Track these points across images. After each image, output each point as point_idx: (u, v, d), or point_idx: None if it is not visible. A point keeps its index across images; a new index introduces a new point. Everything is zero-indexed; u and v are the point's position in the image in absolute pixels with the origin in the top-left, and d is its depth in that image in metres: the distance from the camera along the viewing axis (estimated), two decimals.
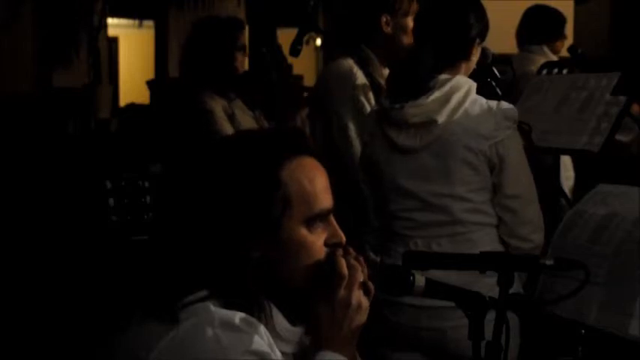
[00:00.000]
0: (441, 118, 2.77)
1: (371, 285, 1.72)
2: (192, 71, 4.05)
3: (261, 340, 1.57)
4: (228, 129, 3.87)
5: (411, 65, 2.85)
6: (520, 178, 2.81)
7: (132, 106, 8.54)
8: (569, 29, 5.63)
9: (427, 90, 2.80)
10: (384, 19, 3.38)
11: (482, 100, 2.82)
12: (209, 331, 1.54)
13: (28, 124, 6.74)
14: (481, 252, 2.07)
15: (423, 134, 2.81)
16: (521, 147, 2.85)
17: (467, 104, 2.79)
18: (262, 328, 1.58)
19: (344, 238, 1.72)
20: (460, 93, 2.79)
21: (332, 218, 1.71)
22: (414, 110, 2.80)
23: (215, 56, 4.00)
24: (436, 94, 2.78)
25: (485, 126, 2.77)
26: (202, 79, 3.99)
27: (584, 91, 3.16)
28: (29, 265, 4.49)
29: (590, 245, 2.34)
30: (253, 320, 1.58)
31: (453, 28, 2.85)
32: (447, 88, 2.79)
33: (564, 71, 3.47)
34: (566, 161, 4.34)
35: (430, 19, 2.91)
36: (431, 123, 2.79)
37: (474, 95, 2.82)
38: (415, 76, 2.83)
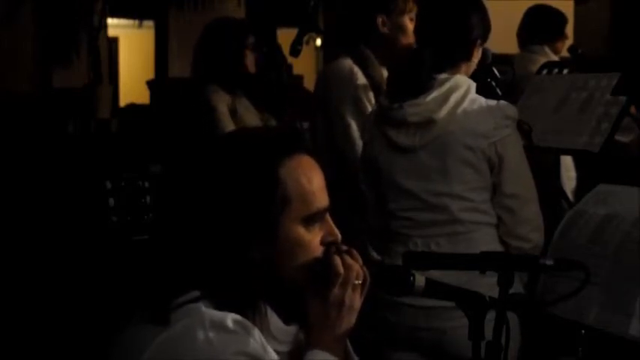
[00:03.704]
0: (440, 118, 2.78)
1: (367, 282, 1.72)
2: (202, 68, 4.06)
3: (254, 341, 1.56)
4: (229, 126, 3.88)
5: (412, 65, 2.86)
6: (519, 178, 2.81)
7: (132, 106, 8.54)
8: (569, 29, 5.64)
9: (426, 89, 2.80)
10: (379, 20, 3.38)
11: (482, 100, 2.82)
12: (200, 333, 1.54)
13: (28, 124, 6.74)
14: (481, 252, 2.07)
15: (422, 133, 2.81)
16: (520, 146, 2.85)
17: (466, 103, 2.79)
18: (255, 330, 1.58)
19: (340, 236, 1.72)
20: (459, 92, 2.79)
21: (328, 217, 1.71)
22: (413, 109, 2.80)
23: (223, 53, 4.02)
24: (435, 94, 2.79)
25: (485, 125, 2.77)
26: (211, 75, 4.00)
27: (584, 91, 3.15)
28: (29, 266, 4.49)
29: (590, 245, 2.34)
30: (246, 322, 1.57)
31: (454, 28, 2.85)
32: (445, 87, 2.79)
33: (564, 71, 3.47)
34: (568, 162, 4.34)
35: (432, 20, 2.91)
36: (430, 122, 2.79)
37: (473, 94, 2.82)
38: (415, 75, 2.83)
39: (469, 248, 2.69)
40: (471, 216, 2.79)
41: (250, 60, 4.08)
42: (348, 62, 3.39)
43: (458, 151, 2.77)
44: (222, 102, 3.97)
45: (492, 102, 2.82)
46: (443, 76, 2.81)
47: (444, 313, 2.71)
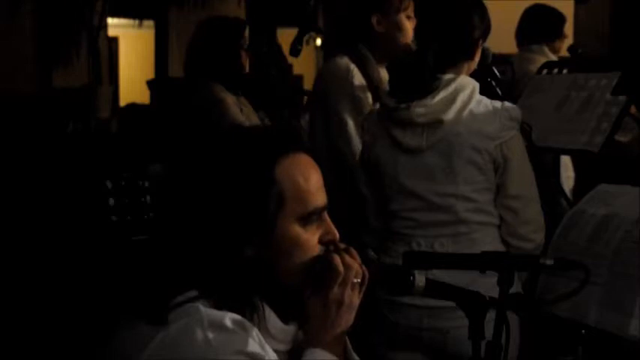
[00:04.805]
0: (447, 118, 2.78)
1: (365, 280, 1.72)
2: (199, 69, 4.04)
3: (253, 341, 1.56)
4: (240, 117, 3.86)
5: (415, 65, 2.86)
6: (523, 179, 2.82)
7: (132, 106, 8.54)
8: (569, 29, 5.64)
9: (432, 90, 2.80)
10: (374, 19, 3.38)
11: (487, 101, 2.83)
12: (199, 332, 1.53)
13: (28, 124, 6.74)
14: (482, 252, 2.07)
15: (429, 134, 2.81)
16: (524, 147, 2.86)
17: (472, 105, 2.80)
18: (254, 329, 1.57)
19: (338, 235, 1.71)
20: (465, 93, 2.80)
21: (326, 215, 1.71)
22: (420, 110, 2.80)
23: (222, 54, 4.00)
24: (442, 94, 2.79)
25: (491, 126, 2.77)
26: (212, 76, 3.99)
27: (584, 91, 3.15)
28: (29, 265, 4.48)
29: (590, 245, 2.34)
30: (244, 321, 1.57)
31: (457, 29, 2.85)
32: (452, 88, 2.79)
33: (564, 71, 3.47)
34: (566, 161, 4.34)
35: (434, 20, 2.91)
36: (437, 123, 2.79)
37: (478, 95, 2.83)
38: (419, 76, 2.83)
39: (472, 248, 2.69)
40: (476, 216, 2.79)
41: (244, 59, 4.07)
42: (344, 60, 3.38)
43: (465, 152, 2.77)
44: (228, 96, 3.96)
45: (497, 103, 2.83)
46: (448, 76, 2.81)
47: (446, 313, 2.70)
